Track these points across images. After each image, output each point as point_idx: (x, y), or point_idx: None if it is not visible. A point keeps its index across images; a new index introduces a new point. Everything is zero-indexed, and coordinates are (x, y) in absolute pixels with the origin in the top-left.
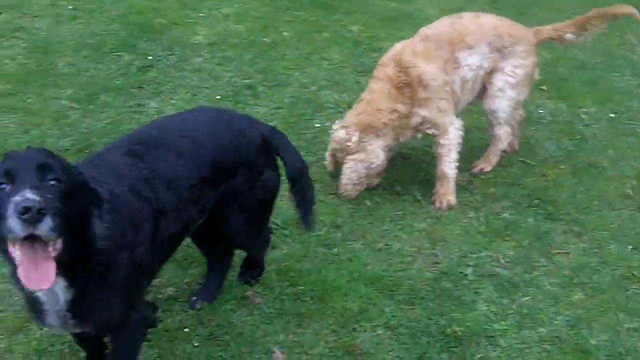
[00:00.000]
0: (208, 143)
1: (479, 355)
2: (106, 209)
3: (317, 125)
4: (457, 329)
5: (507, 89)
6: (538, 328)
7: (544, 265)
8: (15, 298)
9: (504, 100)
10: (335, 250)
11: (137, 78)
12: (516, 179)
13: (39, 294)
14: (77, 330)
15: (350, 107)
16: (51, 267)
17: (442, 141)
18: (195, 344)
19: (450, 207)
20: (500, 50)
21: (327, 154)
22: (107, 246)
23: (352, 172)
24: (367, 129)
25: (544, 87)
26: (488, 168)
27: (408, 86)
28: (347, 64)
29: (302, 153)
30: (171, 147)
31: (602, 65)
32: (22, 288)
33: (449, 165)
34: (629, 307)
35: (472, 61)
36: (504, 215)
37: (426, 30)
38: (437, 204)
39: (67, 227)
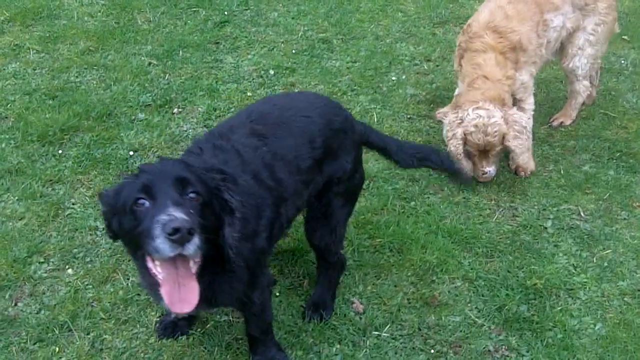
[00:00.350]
0: (324, 125)
1: (558, 308)
2: (237, 217)
3: (394, 78)
4: (536, 281)
5: (587, 47)
6: (618, 281)
7: (625, 219)
8: (102, 249)
9: (582, 58)
10: (412, 203)
11: (213, 34)
12: (597, 131)
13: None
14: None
15: (428, 59)
16: (194, 289)
17: (525, 106)
18: (277, 294)
19: (532, 173)
20: (582, 9)
21: (459, 146)
22: (237, 245)
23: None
24: (499, 102)
25: (626, 37)
26: (568, 122)
27: (512, 51)
28: (423, 15)
29: (378, 107)
30: (292, 127)
31: None
32: (159, 302)
33: (529, 135)
34: None
35: (557, 22)
36: (584, 168)
37: None
38: (522, 173)
39: (207, 239)
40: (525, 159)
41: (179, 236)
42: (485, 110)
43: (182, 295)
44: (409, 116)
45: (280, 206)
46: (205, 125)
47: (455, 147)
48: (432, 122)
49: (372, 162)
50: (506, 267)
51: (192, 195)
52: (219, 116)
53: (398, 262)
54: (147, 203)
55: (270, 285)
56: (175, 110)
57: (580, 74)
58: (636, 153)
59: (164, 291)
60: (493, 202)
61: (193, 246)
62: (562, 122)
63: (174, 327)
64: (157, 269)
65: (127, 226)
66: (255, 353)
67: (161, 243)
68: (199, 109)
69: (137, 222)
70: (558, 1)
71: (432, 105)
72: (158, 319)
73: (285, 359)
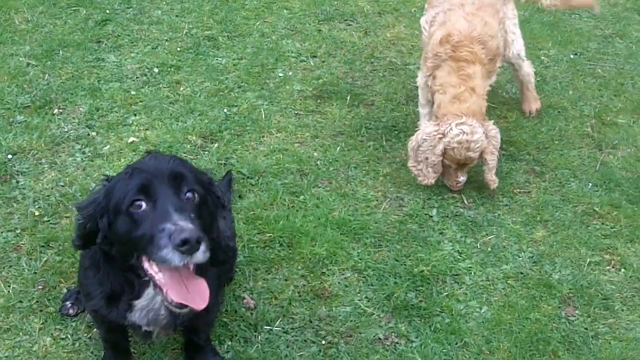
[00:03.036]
0: None
1: (445, 293)
2: (229, 210)
3: (280, 74)
4: (423, 268)
5: (517, 29)
6: (502, 265)
7: (507, 205)
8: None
9: (518, 39)
10: (302, 197)
11: (95, 32)
12: None
13: (142, 297)
14: (166, 328)
15: (314, 55)
16: (203, 283)
17: None
18: None
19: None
20: None
21: (428, 164)
22: (229, 244)
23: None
24: (480, 116)
25: None
26: (539, 105)
27: (491, 61)
28: (308, 12)
29: (266, 103)
30: None
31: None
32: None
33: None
34: (590, 242)
35: (503, 15)
36: None
37: None
38: (493, 185)
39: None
40: (494, 171)
41: (188, 247)
42: (469, 126)
43: (191, 292)
44: (296, 112)
45: None
46: (87, 126)
47: (433, 160)
48: (319, 118)
49: (261, 157)
50: (394, 256)
51: (188, 195)
52: (102, 115)
53: (288, 256)
54: (144, 205)
55: None
56: (56, 110)
57: (523, 55)
58: (515, 141)
59: (172, 293)
60: (380, 193)
61: (201, 254)
62: (536, 109)
63: None
64: (153, 269)
65: (122, 229)
66: None
67: (169, 254)
68: (81, 108)
69: (135, 225)
70: None
71: (318, 101)
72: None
73: None
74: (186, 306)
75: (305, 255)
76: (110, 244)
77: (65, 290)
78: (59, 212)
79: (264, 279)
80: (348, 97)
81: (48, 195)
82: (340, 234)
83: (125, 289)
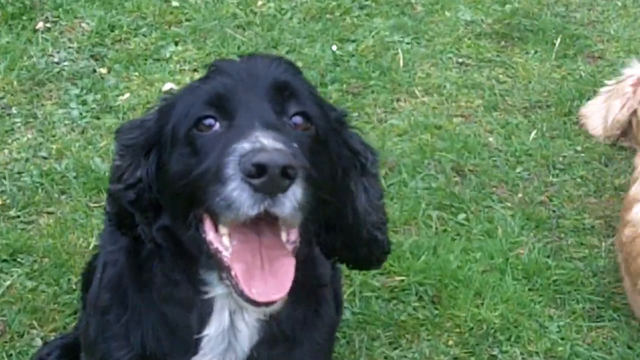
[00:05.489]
0: None
1: None
2: (373, 174)
3: None
4: None
5: None
6: None
7: None
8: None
9: None
10: (460, 216)
11: None
12: None
13: (210, 325)
14: None
15: None
16: (289, 264)
17: None
18: None
19: None
20: None
21: None
22: (375, 234)
23: None
24: None
25: None
26: None
27: None
28: None
29: (407, 39)
30: None
31: None
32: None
33: None
34: None
35: None
36: None
37: None
38: None
39: (316, 202)
40: None
41: (265, 180)
42: None
43: (267, 274)
44: (460, 60)
45: None
46: (92, 55)
47: None
48: (502, 73)
49: (392, 137)
50: (626, 339)
51: (297, 119)
52: (119, 40)
53: (432, 319)
54: (217, 125)
55: None
56: (40, 24)
57: None
58: None
59: (237, 269)
60: (605, 221)
61: (290, 201)
62: None
63: None
64: (223, 242)
65: (177, 166)
66: None
67: (236, 190)
68: (83, 24)
69: (197, 157)
70: None
71: (502, 43)
72: None
73: None
74: (261, 303)
75: (462, 321)
76: (155, 211)
77: (39, 342)
78: (36, 202)
79: (385, 357)
80: (557, 41)
81: (20, 173)
82: (529, 289)
83: (181, 317)
